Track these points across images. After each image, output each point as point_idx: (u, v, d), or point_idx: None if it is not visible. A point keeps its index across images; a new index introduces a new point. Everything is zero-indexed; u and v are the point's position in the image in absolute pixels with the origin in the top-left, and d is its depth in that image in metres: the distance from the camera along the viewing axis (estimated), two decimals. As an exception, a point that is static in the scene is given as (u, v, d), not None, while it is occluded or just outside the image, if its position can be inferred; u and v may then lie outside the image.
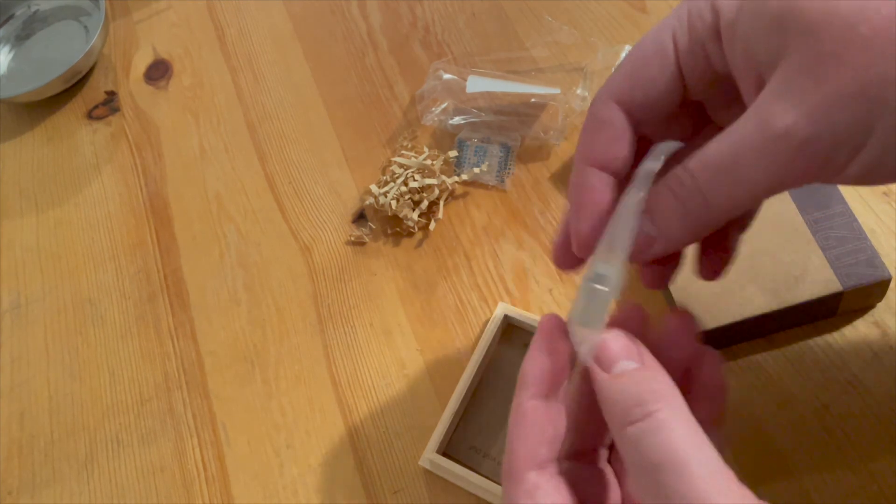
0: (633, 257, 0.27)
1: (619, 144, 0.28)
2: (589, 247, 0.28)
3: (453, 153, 0.51)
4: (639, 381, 0.25)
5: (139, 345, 0.51)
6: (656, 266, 0.30)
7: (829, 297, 0.40)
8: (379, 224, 0.52)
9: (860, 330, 0.41)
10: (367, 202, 0.52)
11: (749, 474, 0.39)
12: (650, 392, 0.24)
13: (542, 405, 0.27)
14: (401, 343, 0.47)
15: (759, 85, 0.25)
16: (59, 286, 0.55)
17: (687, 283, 0.41)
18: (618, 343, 0.26)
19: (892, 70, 0.22)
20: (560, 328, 0.28)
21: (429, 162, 0.51)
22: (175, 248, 0.54)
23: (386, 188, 0.50)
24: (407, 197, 0.50)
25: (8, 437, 0.50)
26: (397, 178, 0.51)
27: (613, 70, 0.28)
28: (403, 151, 0.53)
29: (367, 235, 0.51)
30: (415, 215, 0.50)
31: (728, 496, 0.22)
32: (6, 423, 0.50)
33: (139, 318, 0.52)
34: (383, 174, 0.52)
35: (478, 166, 0.51)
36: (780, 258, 0.41)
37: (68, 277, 0.55)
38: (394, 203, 0.50)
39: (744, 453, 0.40)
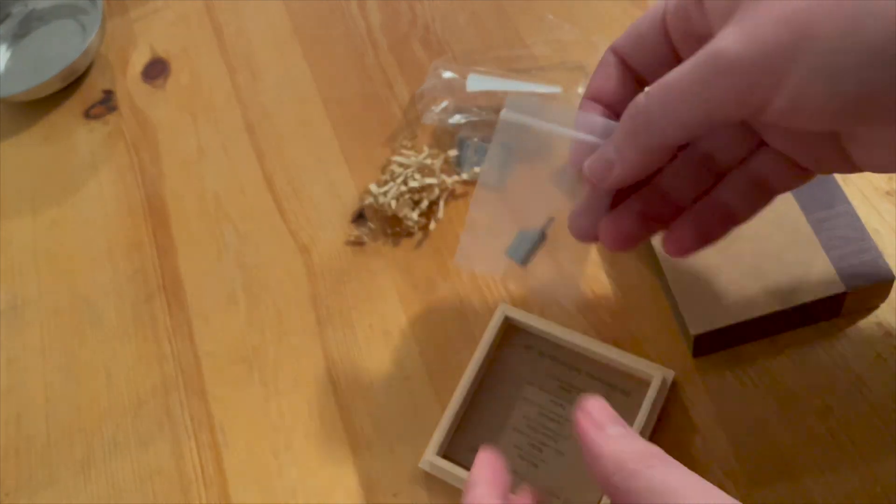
0: (597, 182, 0.30)
1: (609, 82, 0.33)
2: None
3: (453, 152, 0.51)
4: (633, 443, 0.27)
5: (136, 346, 0.51)
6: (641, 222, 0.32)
7: (833, 298, 0.39)
8: (378, 224, 0.51)
9: (864, 331, 0.41)
10: (367, 202, 0.51)
11: (752, 475, 0.39)
12: (645, 453, 0.27)
13: None
14: (400, 344, 0.47)
15: None
16: (55, 287, 0.54)
17: (690, 284, 0.41)
18: (605, 410, 0.29)
19: (819, 4, 0.24)
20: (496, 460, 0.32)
21: (429, 161, 0.50)
22: (173, 248, 0.54)
23: (385, 187, 0.50)
24: (407, 196, 0.50)
25: (4, 438, 0.49)
26: (397, 177, 0.50)
27: None
28: (403, 150, 0.52)
29: (366, 235, 0.51)
30: (415, 215, 0.49)
31: None
32: (3, 424, 0.50)
33: (136, 318, 0.52)
34: (383, 173, 0.52)
35: (478, 165, 0.51)
36: (783, 258, 0.41)
37: (65, 278, 0.54)
38: (393, 202, 0.49)
39: (747, 454, 0.39)
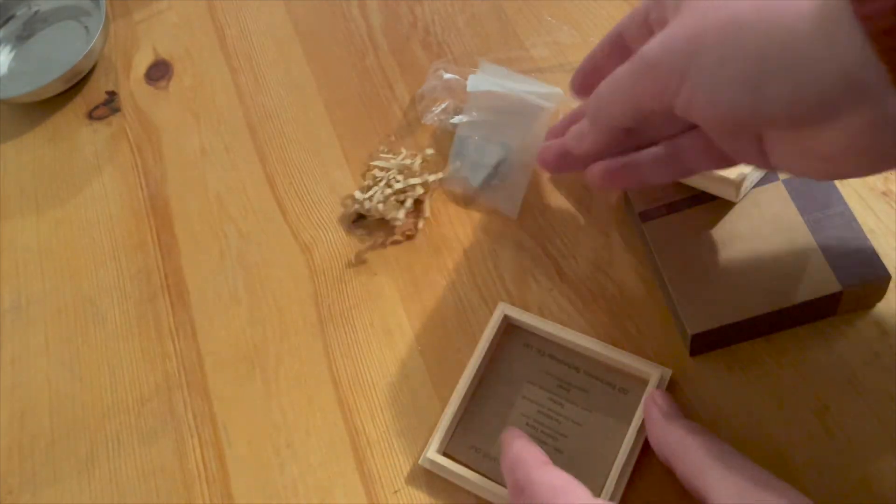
0: (574, 149, 0.37)
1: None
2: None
3: (430, 151, 0.52)
4: (682, 419, 0.37)
5: (140, 344, 0.51)
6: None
7: (829, 297, 0.40)
8: (378, 225, 0.52)
9: (860, 330, 0.41)
10: (353, 208, 0.52)
11: (749, 474, 0.39)
12: (690, 426, 0.37)
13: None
14: (401, 343, 0.47)
15: None
16: (59, 286, 0.55)
17: (688, 283, 0.41)
18: (669, 398, 0.39)
19: (713, 20, 0.28)
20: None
21: (408, 161, 0.51)
22: (176, 248, 0.54)
23: (370, 192, 0.51)
24: (392, 199, 0.50)
25: (9, 436, 0.50)
26: (379, 181, 0.51)
27: None
28: (381, 155, 0.53)
29: (367, 235, 0.51)
30: (401, 214, 0.50)
31: None
32: (7, 422, 0.50)
33: (140, 317, 0.52)
34: (364, 179, 0.52)
35: (478, 164, 0.51)
36: (779, 258, 0.41)
37: (69, 277, 0.55)
38: (381, 206, 0.50)
39: (744, 452, 0.40)
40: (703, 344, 0.41)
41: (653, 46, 0.30)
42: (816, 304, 0.40)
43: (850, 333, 0.41)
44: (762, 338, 0.42)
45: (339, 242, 0.52)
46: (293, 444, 0.45)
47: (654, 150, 0.36)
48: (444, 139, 0.53)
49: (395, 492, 0.43)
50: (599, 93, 0.34)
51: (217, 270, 0.53)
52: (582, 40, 0.55)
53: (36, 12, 0.68)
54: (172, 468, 0.46)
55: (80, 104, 0.63)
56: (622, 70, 0.32)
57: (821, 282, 0.40)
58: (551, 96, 0.51)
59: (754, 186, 0.43)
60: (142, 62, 0.64)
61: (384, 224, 0.51)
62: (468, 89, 0.52)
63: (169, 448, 0.47)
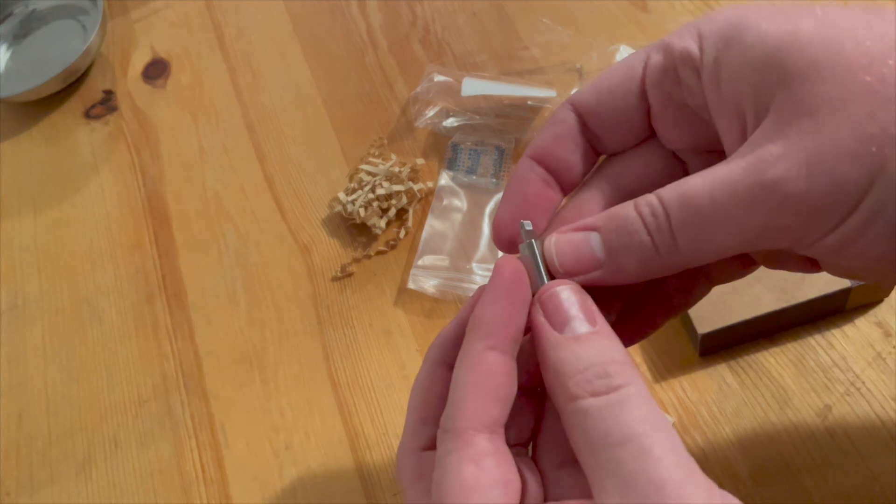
0: (571, 275, 0.25)
1: (564, 145, 0.27)
2: (503, 234, 0.27)
3: (420, 160, 0.51)
4: (600, 349, 0.22)
5: (137, 345, 0.51)
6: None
7: (837, 294, 0.40)
8: (363, 230, 0.51)
9: (862, 330, 0.41)
10: (336, 209, 0.51)
11: (752, 474, 0.39)
12: (613, 363, 0.22)
13: (502, 358, 0.24)
14: (400, 344, 0.47)
15: (743, 130, 0.23)
16: (57, 286, 0.54)
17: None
18: (571, 298, 0.24)
19: (894, 125, 0.20)
20: (522, 275, 0.25)
21: (396, 169, 0.51)
22: (173, 248, 0.54)
23: (354, 196, 0.50)
24: (375, 204, 0.50)
25: (6, 437, 0.49)
26: (365, 185, 0.51)
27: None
28: (371, 159, 0.52)
29: (358, 237, 0.51)
30: (382, 223, 0.50)
31: (693, 487, 0.20)
32: (4, 423, 0.50)
33: (137, 318, 0.52)
34: (350, 181, 0.52)
35: (471, 169, 0.51)
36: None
37: (66, 278, 0.55)
38: (362, 210, 0.50)
39: (745, 453, 0.39)
40: (713, 344, 0.41)
41: (795, 179, 0.21)
42: (825, 300, 0.40)
43: (852, 333, 0.41)
44: (765, 339, 0.42)
45: (338, 243, 0.52)
46: (292, 446, 0.45)
47: (678, 278, 0.28)
48: (441, 141, 0.53)
49: (396, 494, 0.42)
50: (669, 226, 0.23)
51: (215, 271, 0.52)
52: (580, 40, 0.55)
53: (33, 11, 0.68)
54: (170, 470, 0.46)
55: (77, 103, 0.63)
56: (714, 198, 0.22)
57: (829, 278, 0.40)
58: (547, 98, 0.51)
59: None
60: (139, 61, 0.64)
61: (368, 230, 0.51)
62: (462, 93, 0.51)
63: (167, 449, 0.47)
